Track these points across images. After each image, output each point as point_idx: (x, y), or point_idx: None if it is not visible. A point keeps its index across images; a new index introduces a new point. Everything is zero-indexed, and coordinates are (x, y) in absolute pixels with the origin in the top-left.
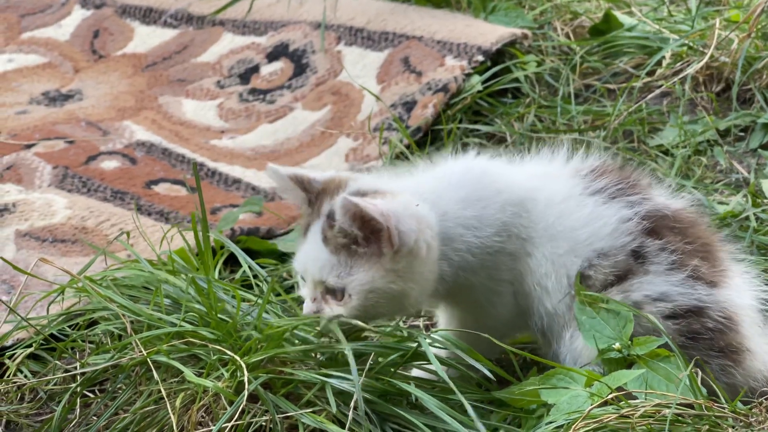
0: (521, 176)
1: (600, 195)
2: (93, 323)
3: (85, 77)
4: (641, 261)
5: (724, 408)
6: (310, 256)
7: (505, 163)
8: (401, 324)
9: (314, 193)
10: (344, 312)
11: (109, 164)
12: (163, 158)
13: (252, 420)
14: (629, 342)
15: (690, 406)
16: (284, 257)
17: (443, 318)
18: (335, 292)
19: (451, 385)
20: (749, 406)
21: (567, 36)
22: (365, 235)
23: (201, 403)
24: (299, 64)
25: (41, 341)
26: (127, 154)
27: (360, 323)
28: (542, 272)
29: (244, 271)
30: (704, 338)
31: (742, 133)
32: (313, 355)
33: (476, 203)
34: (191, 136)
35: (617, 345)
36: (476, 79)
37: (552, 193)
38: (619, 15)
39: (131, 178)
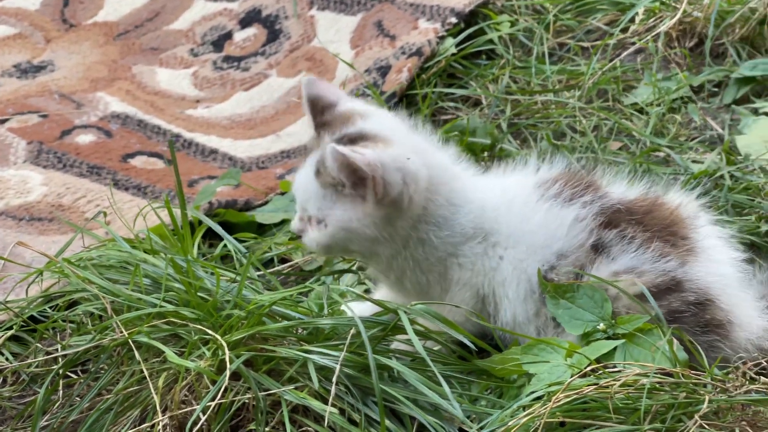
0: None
1: (556, 199)
2: (73, 303)
3: (56, 47)
4: (603, 251)
5: (700, 375)
6: (302, 184)
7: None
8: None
9: (326, 122)
10: (320, 238)
11: (85, 138)
12: (139, 130)
13: (235, 399)
14: (612, 321)
15: (669, 374)
16: (262, 229)
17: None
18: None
19: (426, 358)
20: (725, 371)
21: None
22: (352, 182)
23: (184, 382)
24: (272, 29)
25: (21, 323)
26: (102, 127)
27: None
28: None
29: (225, 246)
30: (687, 316)
31: (715, 89)
32: (294, 330)
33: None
34: (166, 107)
35: (602, 325)
36: (450, 42)
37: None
38: None
39: (107, 152)
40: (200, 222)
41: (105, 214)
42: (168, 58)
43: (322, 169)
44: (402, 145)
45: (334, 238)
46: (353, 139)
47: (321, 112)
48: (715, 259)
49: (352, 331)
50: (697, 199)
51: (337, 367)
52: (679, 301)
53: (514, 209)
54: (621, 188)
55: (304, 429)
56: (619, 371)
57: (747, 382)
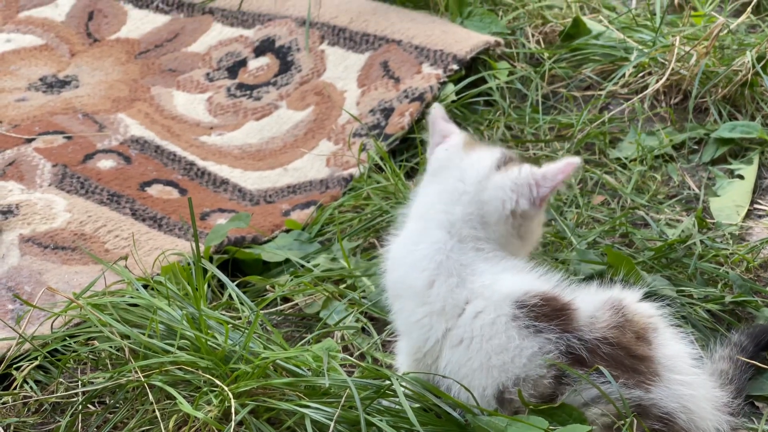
0: None
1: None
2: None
3: (80, 62)
4: (566, 384)
5: None
6: None
7: None
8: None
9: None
10: None
11: (106, 163)
12: (156, 156)
13: None
14: None
15: None
16: (267, 265)
17: None
18: None
19: (415, 421)
20: None
21: (537, 42)
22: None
23: (193, 428)
24: (284, 60)
25: (45, 353)
26: (122, 152)
27: None
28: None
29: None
30: None
31: (696, 146)
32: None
33: None
34: (182, 132)
35: None
36: (451, 89)
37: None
38: (587, 20)
39: (126, 179)
40: (211, 259)
41: (125, 258)
42: (185, 81)
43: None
44: None
45: None
46: (508, 161)
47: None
48: (677, 379)
49: (347, 391)
50: (660, 310)
51: (332, 424)
52: (647, 427)
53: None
54: (593, 305)
55: None
56: None
57: None
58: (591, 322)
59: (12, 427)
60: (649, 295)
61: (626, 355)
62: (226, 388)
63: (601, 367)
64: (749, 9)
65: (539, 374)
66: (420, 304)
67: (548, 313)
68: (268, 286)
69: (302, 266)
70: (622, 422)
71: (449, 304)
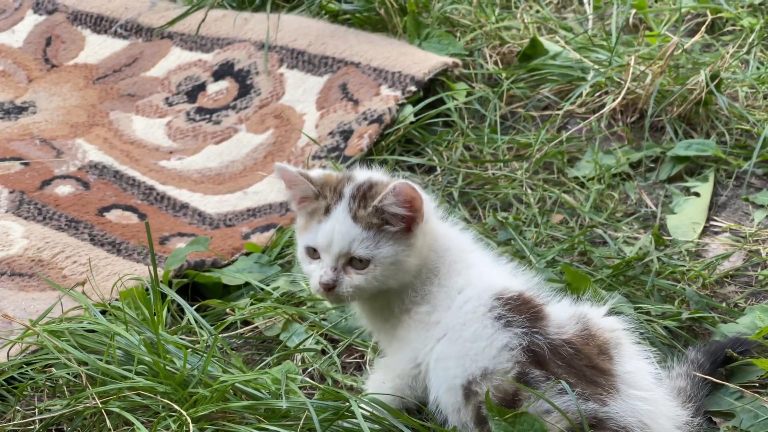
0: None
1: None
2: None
3: (38, 88)
4: (527, 383)
5: None
6: (339, 232)
7: None
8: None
9: (318, 186)
10: (363, 281)
11: (63, 189)
12: (115, 182)
13: None
14: None
15: None
16: (227, 289)
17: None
18: (361, 262)
19: None
20: None
21: (495, 63)
22: (402, 216)
23: None
24: (243, 84)
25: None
26: (80, 178)
27: None
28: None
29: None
30: None
31: (653, 164)
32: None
33: None
34: (141, 157)
35: None
36: (409, 110)
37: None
38: (545, 41)
39: (84, 205)
40: (171, 283)
41: (83, 284)
42: (144, 105)
43: (360, 212)
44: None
45: (382, 276)
46: (371, 187)
47: (313, 181)
48: (635, 394)
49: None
50: (624, 325)
51: None
52: None
53: (465, 308)
54: (562, 316)
55: None
56: None
57: None
58: (558, 328)
59: None
60: (609, 313)
61: (587, 365)
62: (184, 413)
63: (561, 381)
64: (703, 28)
65: (505, 368)
66: None
67: (519, 307)
68: (228, 310)
69: (262, 289)
70: None
71: None
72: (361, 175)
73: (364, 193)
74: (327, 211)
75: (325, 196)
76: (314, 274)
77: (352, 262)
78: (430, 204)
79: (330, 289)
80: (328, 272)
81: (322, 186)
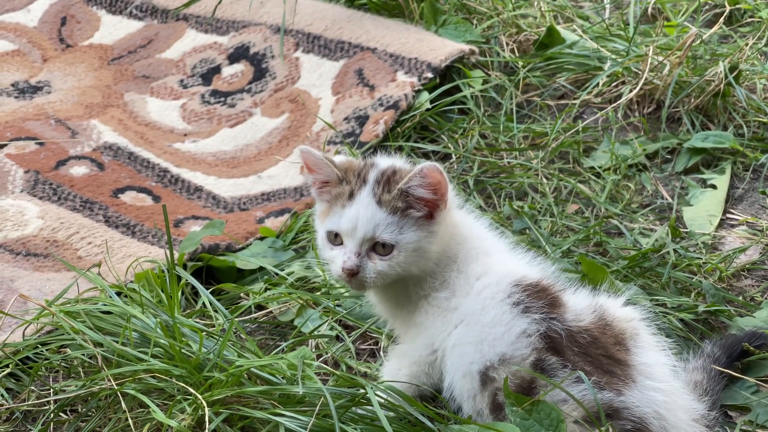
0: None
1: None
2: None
3: (53, 68)
4: (544, 372)
5: None
6: (364, 216)
7: None
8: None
9: (342, 170)
10: (386, 267)
11: (78, 170)
12: (129, 163)
13: None
14: None
15: None
16: (242, 273)
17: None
18: (384, 247)
19: (388, 428)
20: None
21: (512, 51)
22: (428, 199)
23: None
24: (259, 68)
25: (17, 361)
26: (95, 159)
27: None
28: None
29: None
30: None
31: (669, 156)
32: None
33: None
34: (156, 139)
35: None
36: (425, 97)
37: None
38: (562, 30)
39: (99, 186)
40: (185, 266)
41: (99, 266)
42: (159, 87)
43: (385, 196)
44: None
45: (405, 262)
46: (395, 172)
47: (337, 166)
48: (652, 385)
49: (322, 399)
50: (641, 317)
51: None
52: (617, 428)
53: (484, 293)
54: (579, 305)
55: None
56: None
57: None
58: (576, 316)
59: None
60: (626, 304)
61: (603, 354)
62: (199, 397)
63: (578, 370)
64: (722, 19)
65: (523, 355)
66: None
67: (537, 294)
68: (242, 294)
69: (276, 274)
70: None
71: None
72: (384, 161)
73: (389, 178)
74: (351, 196)
75: (349, 181)
76: (336, 260)
77: (375, 248)
78: (452, 192)
79: (353, 274)
80: (352, 258)
81: (346, 171)
